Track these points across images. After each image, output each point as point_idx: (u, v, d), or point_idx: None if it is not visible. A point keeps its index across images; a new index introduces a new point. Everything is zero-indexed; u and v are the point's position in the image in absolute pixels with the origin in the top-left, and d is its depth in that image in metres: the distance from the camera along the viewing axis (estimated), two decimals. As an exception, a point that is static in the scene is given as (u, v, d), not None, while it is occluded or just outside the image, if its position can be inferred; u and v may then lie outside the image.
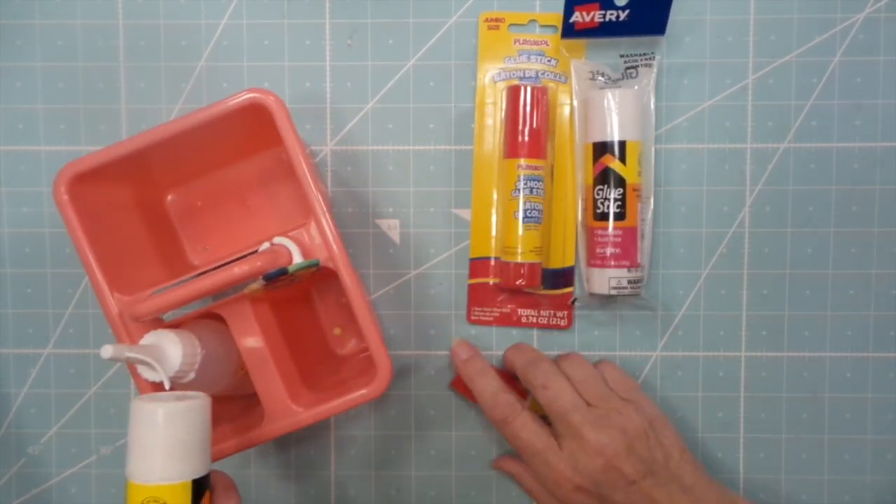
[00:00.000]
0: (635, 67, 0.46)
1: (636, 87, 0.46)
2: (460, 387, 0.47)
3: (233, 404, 0.45)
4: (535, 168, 0.45)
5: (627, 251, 0.45)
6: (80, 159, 0.39)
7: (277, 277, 0.37)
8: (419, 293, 0.49)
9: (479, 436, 0.49)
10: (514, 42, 0.47)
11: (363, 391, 0.39)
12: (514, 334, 0.49)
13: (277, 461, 0.49)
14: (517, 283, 0.45)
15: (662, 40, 0.47)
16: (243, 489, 0.49)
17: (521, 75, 0.48)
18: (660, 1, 0.44)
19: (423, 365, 0.49)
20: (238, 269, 0.37)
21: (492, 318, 0.48)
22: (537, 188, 0.45)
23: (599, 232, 0.45)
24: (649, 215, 0.47)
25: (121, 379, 0.49)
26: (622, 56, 0.47)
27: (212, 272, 0.37)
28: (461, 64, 0.48)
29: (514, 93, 0.45)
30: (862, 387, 0.48)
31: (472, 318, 0.48)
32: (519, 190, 0.45)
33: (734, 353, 0.48)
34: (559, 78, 0.48)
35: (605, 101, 0.45)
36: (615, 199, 0.45)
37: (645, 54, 0.46)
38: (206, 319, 0.41)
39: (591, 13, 0.45)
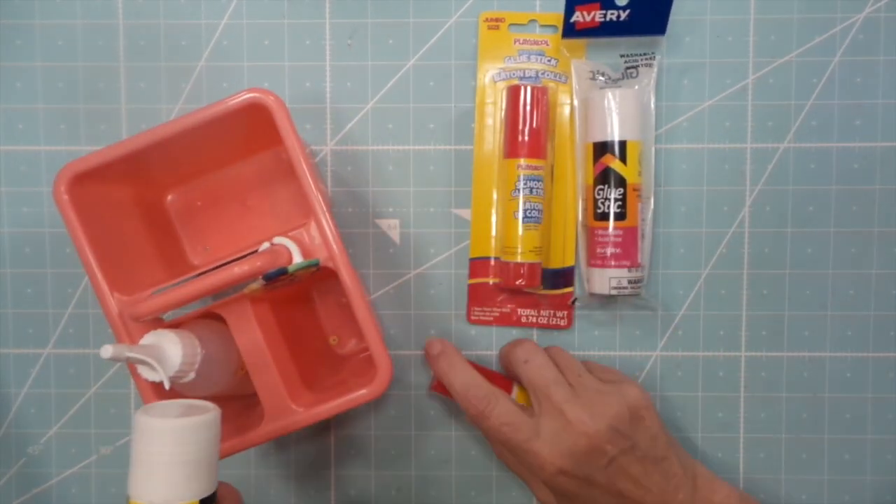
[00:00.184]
0: (635, 67, 0.46)
1: (636, 87, 0.46)
2: (440, 388, 0.45)
3: (233, 404, 0.45)
4: (535, 168, 0.45)
5: (628, 251, 0.45)
6: (80, 159, 0.38)
7: (277, 277, 0.37)
8: (419, 293, 0.49)
9: (479, 436, 0.49)
10: (515, 42, 0.47)
11: (363, 391, 0.38)
12: (514, 334, 0.49)
13: (277, 461, 0.49)
14: (517, 283, 0.45)
15: (662, 40, 0.47)
16: (243, 489, 0.49)
17: (522, 75, 0.48)
18: (660, 1, 0.44)
19: (423, 365, 0.49)
20: (238, 269, 0.37)
21: (492, 318, 0.48)
22: (537, 188, 0.45)
23: (600, 232, 0.45)
24: (649, 215, 0.47)
25: (121, 379, 0.49)
26: (622, 56, 0.47)
27: (212, 272, 0.37)
28: (461, 64, 0.48)
29: (514, 93, 0.45)
30: (862, 387, 0.48)
31: (472, 317, 0.48)
32: (519, 190, 0.45)
33: (734, 353, 0.48)
34: (559, 78, 0.48)
35: (606, 101, 0.45)
36: (615, 199, 0.45)
37: (645, 54, 0.46)
38: (206, 319, 0.41)
39: (592, 13, 0.45)
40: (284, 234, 0.39)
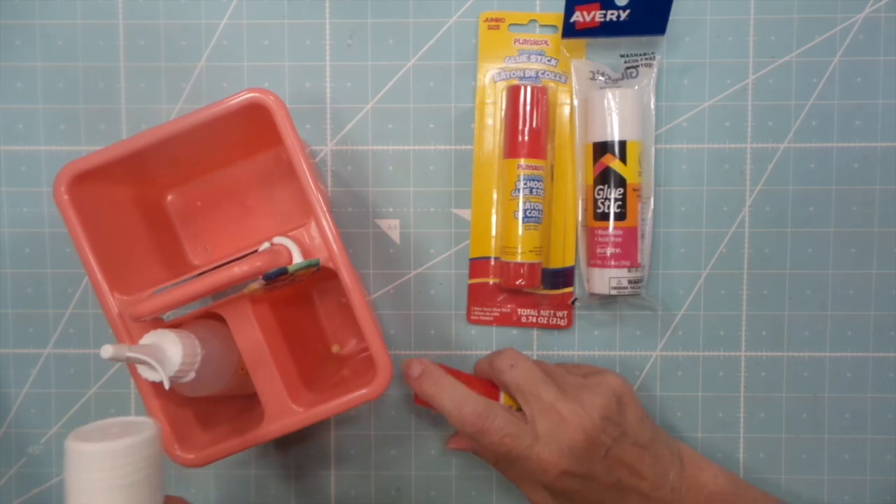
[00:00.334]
0: (635, 67, 0.46)
1: (636, 87, 0.46)
2: (423, 402, 0.43)
3: (233, 404, 0.45)
4: (535, 168, 0.45)
5: (628, 251, 0.45)
6: (80, 159, 0.38)
7: (277, 277, 0.37)
8: (419, 293, 0.49)
9: (479, 436, 0.49)
10: (514, 42, 0.47)
11: (363, 391, 0.38)
12: (514, 334, 0.49)
13: (277, 461, 0.49)
14: (517, 283, 0.45)
15: (662, 40, 0.47)
16: (243, 489, 0.49)
17: (521, 75, 0.48)
18: (660, 1, 0.44)
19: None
20: (238, 269, 0.37)
21: (492, 318, 0.48)
22: (537, 188, 0.45)
23: (600, 232, 0.45)
24: (649, 215, 0.47)
25: (121, 379, 0.49)
26: (622, 56, 0.47)
27: (212, 272, 0.37)
28: (461, 64, 0.48)
29: (514, 93, 0.45)
30: (862, 387, 0.48)
31: (472, 317, 0.48)
32: (519, 190, 0.45)
33: (734, 352, 0.48)
34: (559, 78, 0.48)
35: (606, 101, 0.45)
36: (615, 199, 0.45)
37: (645, 54, 0.46)
38: (206, 319, 0.41)
39: (592, 13, 0.45)
40: (284, 234, 0.39)
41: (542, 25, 0.48)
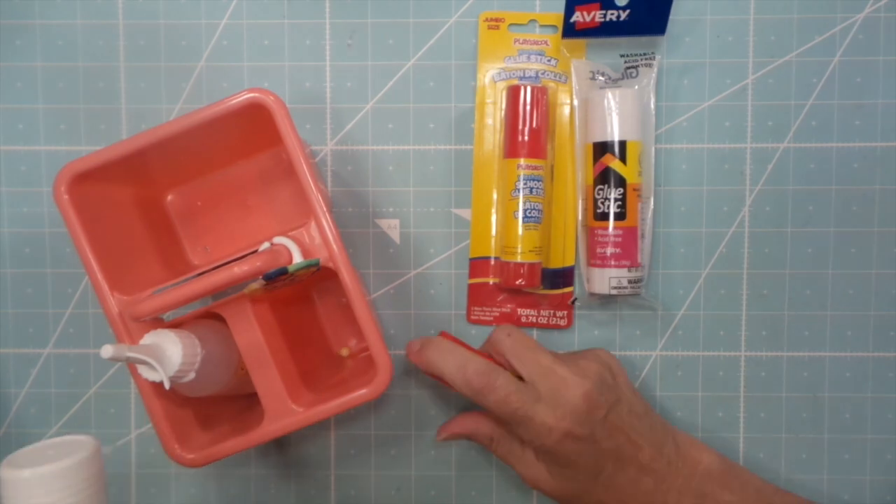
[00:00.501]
0: (635, 67, 0.46)
1: (636, 87, 0.46)
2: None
3: (233, 404, 0.45)
4: (535, 168, 0.45)
5: (628, 251, 0.45)
6: (80, 159, 0.39)
7: (277, 277, 0.37)
8: (419, 293, 0.49)
9: (479, 436, 0.49)
10: (514, 42, 0.47)
11: (363, 391, 0.39)
12: (514, 334, 0.49)
13: (277, 461, 0.49)
14: (517, 282, 0.45)
15: (662, 40, 0.47)
16: (243, 489, 0.49)
17: (521, 75, 0.48)
18: (660, 1, 0.44)
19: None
20: (238, 269, 0.37)
21: (492, 318, 0.48)
22: (537, 188, 0.45)
23: (600, 232, 0.45)
24: (649, 215, 0.47)
25: (121, 379, 0.49)
26: (622, 56, 0.47)
27: (212, 272, 0.37)
28: (461, 64, 0.48)
29: (514, 92, 0.45)
30: (862, 386, 0.48)
31: (472, 317, 0.48)
32: (519, 190, 0.45)
33: (734, 352, 0.48)
34: (559, 78, 0.48)
35: (606, 101, 0.45)
36: (615, 199, 0.45)
37: (645, 54, 0.46)
38: (206, 319, 0.41)
39: (592, 13, 0.45)
40: (284, 234, 0.39)
41: (542, 25, 0.48)
